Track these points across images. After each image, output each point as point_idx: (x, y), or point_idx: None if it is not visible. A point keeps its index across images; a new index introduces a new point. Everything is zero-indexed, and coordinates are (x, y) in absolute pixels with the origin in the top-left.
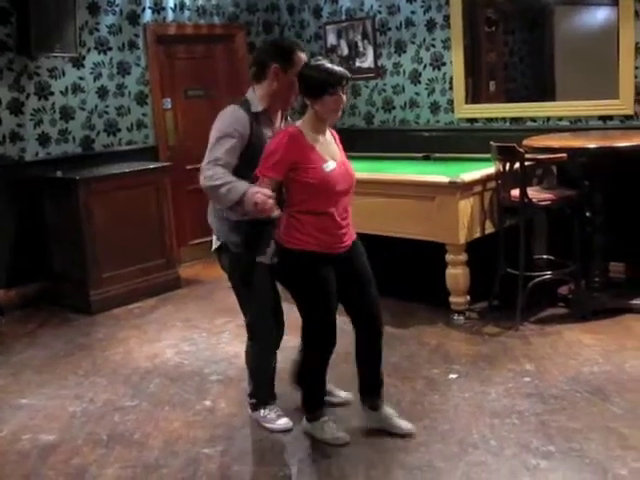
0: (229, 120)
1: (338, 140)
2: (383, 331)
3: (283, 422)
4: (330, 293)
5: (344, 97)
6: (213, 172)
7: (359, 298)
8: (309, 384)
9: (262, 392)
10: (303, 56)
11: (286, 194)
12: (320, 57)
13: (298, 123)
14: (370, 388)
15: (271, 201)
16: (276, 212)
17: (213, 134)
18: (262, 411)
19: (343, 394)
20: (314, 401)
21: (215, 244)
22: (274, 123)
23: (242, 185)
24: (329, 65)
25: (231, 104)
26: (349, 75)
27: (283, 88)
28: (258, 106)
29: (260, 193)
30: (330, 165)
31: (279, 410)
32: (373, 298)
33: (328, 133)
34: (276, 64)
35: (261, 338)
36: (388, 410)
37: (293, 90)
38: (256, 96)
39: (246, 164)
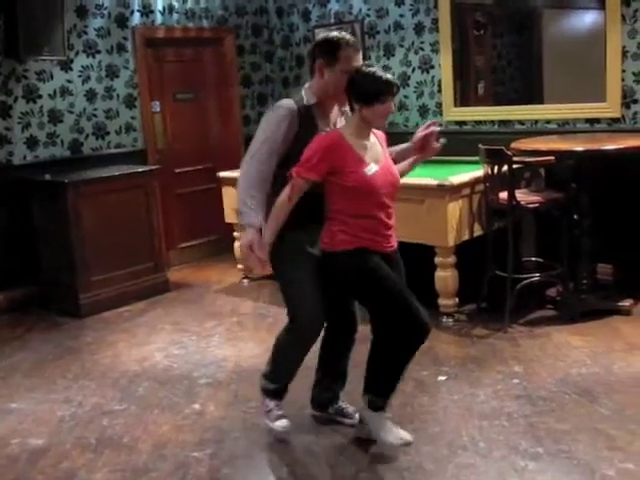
0: (277, 118)
1: (383, 140)
2: None
3: (280, 423)
4: (392, 275)
5: (393, 105)
6: (250, 176)
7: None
8: (396, 371)
9: (277, 382)
10: (351, 52)
11: (328, 199)
12: (370, 62)
13: (340, 126)
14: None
15: (253, 259)
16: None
17: (261, 130)
18: (268, 401)
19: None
20: (390, 390)
21: None
22: (329, 117)
23: (252, 220)
24: (382, 73)
25: (287, 97)
26: (399, 84)
27: (330, 84)
28: (310, 99)
29: (252, 248)
30: (372, 168)
31: (282, 409)
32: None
33: (372, 136)
34: (321, 59)
35: (297, 331)
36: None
37: (343, 86)
38: (310, 89)
39: (296, 157)
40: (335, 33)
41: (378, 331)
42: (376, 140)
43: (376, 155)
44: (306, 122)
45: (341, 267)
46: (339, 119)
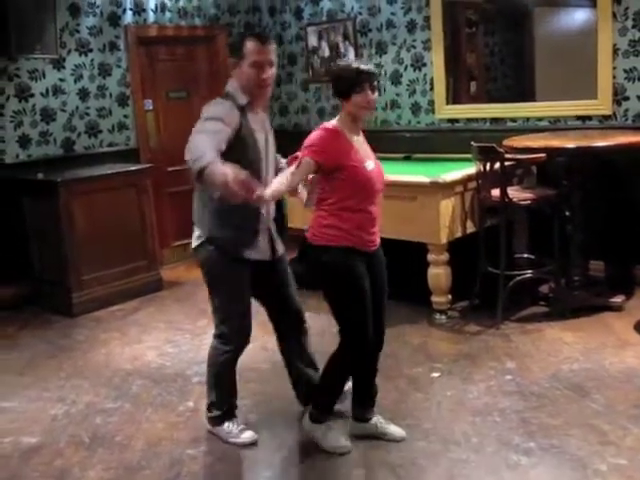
0: (217, 108)
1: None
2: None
3: (248, 435)
4: (367, 291)
5: (372, 94)
6: (200, 140)
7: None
8: (332, 385)
9: (227, 402)
10: (254, 45)
11: (323, 190)
12: (349, 56)
13: (333, 122)
14: (364, 399)
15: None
16: (257, 193)
17: (202, 116)
18: (225, 425)
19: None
20: (329, 404)
21: (196, 241)
22: (258, 118)
23: (209, 158)
24: (356, 64)
25: (220, 98)
26: (376, 71)
27: (244, 81)
28: (243, 99)
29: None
30: (370, 164)
31: (241, 423)
32: (382, 311)
33: (361, 133)
34: (231, 58)
35: (233, 340)
36: (378, 418)
37: (254, 81)
38: (237, 88)
39: (238, 159)
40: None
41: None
42: (364, 139)
43: (368, 152)
44: (244, 122)
45: (326, 261)
46: (266, 119)
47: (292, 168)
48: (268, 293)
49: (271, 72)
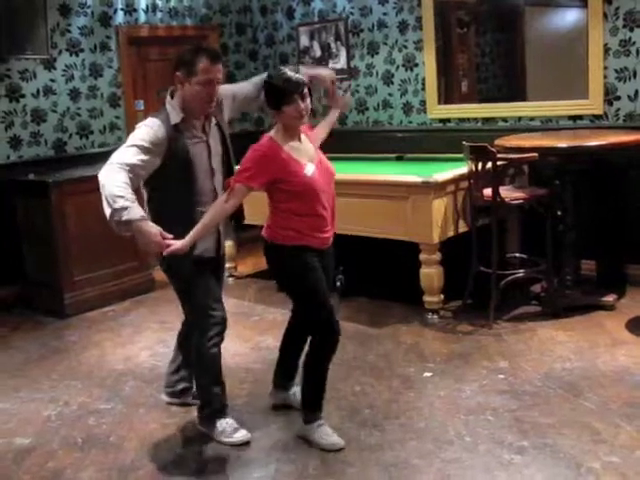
0: (143, 132)
1: (308, 130)
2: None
3: (241, 434)
4: (321, 280)
5: (303, 104)
6: (120, 178)
7: None
8: (315, 381)
9: (216, 399)
10: (207, 63)
11: (272, 201)
12: (283, 67)
13: (272, 133)
14: (290, 374)
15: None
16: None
17: (129, 140)
18: (218, 425)
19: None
20: (317, 400)
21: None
22: (197, 131)
23: (139, 211)
24: (285, 75)
25: (150, 116)
26: (304, 81)
27: (190, 97)
28: (176, 117)
29: (158, 238)
30: (310, 169)
31: (234, 421)
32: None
33: (303, 140)
34: (178, 72)
35: (204, 328)
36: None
37: (202, 99)
38: (175, 104)
39: (174, 178)
40: (193, 45)
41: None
42: (306, 137)
43: (309, 153)
44: (175, 142)
45: (283, 259)
46: (209, 129)
47: (224, 196)
48: None
49: (217, 89)
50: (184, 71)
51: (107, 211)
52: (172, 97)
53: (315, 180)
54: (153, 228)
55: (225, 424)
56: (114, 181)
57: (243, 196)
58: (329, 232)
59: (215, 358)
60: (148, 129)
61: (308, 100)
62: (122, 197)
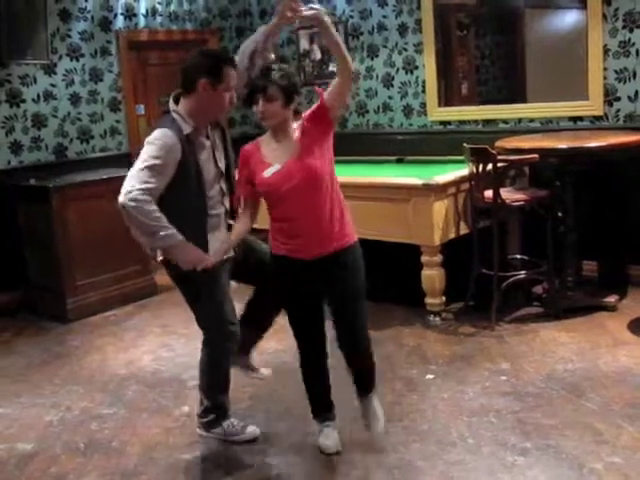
0: (160, 150)
1: (307, 120)
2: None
3: (251, 430)
4: (294, 302)
5: (260, 106)
6: (149, 208)
7: (336, 314)
8: (306, 384)
9: (222, 404)
10: (233, 72)
11: None
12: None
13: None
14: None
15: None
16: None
17: (144, 157)
18: (225, 425)
19: (263, 370)
20: (314, 403)
21: (159, 256)
22: (203, 137)
23: (177, 234)
24: (260, 70)
25: (159, 127)
26: (259, 83)
27: (212, 104)
28: (187, 127)
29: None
30: (271, 170)
31: (238, 420)
32: (349, 315)
33: (291, 132)
34: (204, 79)
35: (220, 343)
36: None
37: (224, 106)
38: (183, 112)
39: (185, 185)
40: (209, 48)
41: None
42: (295, 136)
43: (283, 154)
44: (188, 154)
45: (272, 269)
46: (215, 135)
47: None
48: None
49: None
50: (212, 79)
51: (145, 240)
52: (176, 103)
53: (271, 181)
54: (195, 251)
55: (231, 424)
56: (146, 214)
57: (254, 203)
58: (307, 243)
59: (228, 371)
60: (161, 144)
61: (261, 103)
62: (160, 227)
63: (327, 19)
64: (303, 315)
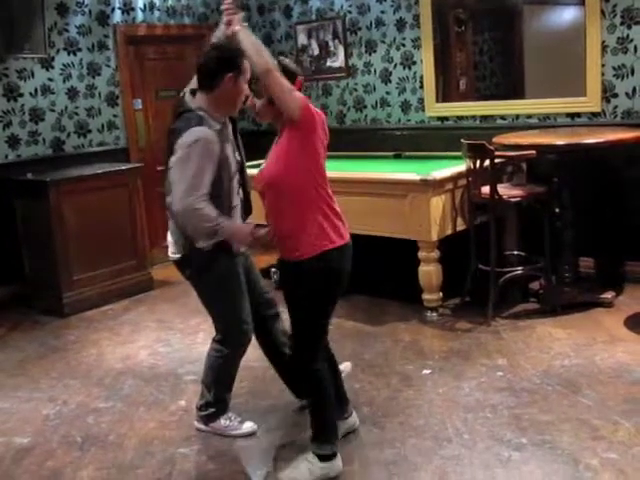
0: (203, 151)
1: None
2: None
3: (249, 425)
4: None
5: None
6: (205, 207)
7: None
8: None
9: (224, 400)
10: (248, 64)
11: None
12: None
13: None
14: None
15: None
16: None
17: (192, 161)
18: (223, 420)
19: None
20: (330, 429)
21: (175, 254)
22: (229, 133)
23: (227, 222)
24: None
25: (191, 127)
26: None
27: (235, 97)
28: (216, 124)
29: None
30: (262, 164)
31: (236, 415)
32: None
33: (282, 133)
34: (230, 73)
35: (236, 342)
36: None
37: (241, 97)
38: (207, 108)
39: (220, 184)
40: (224, 43)
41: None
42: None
43: (273, 153)
44: (223, 149)
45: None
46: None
47: None
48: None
49: None
50: (236, 72)
51: (204, 238)
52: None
53: (255, 179)
54: (244, 226)
55: (229, 418)
56: (207, 219)
57: None
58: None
59: (236, 370)
60: (202, 144)
61: (251, 98)
62: (218, 224)
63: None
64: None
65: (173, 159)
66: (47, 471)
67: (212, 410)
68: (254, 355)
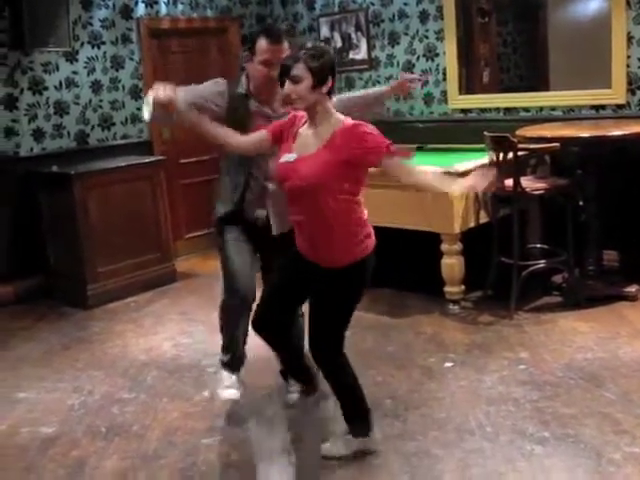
0: (206, 84)
1: (343, 136)
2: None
3: (230, 392)
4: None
5: (285, 88)
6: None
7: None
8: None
9: (227, 354)
10: (265, 43)
11: None
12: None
13: None
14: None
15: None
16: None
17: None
18: (222, 374)
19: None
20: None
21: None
22: (270, 108)
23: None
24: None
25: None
26: (286, 65)
27: (253, 76)
28: (242, 88)
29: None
30: (286, 157)
31: (234, 381)
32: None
33: (322, 128)
34: (248, 52)
35: (227, 297)
36: None
37: (261, 78)
38: (243, 78)
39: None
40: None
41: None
42: (326, 131)
43: (307, 145)
44: (238, 105)
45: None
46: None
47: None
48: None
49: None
50: (249, 50)
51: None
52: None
53: (280, 170)
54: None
55: (224, 376)
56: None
57: (257, 137)
58: (307, 248)
59: (235, 330)
60: (212, 83)
61: (296, 86)
62: None
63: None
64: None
65: None
66: (72, 460)
67: (221, 357)
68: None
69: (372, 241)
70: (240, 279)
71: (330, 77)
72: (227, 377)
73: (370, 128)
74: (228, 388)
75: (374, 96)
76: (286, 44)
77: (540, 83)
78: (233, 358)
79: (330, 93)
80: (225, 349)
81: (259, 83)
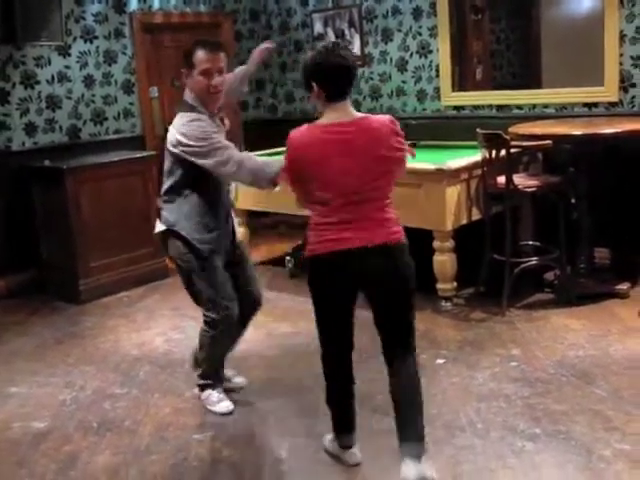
0: (202, 125)
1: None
2: None
3: (224, 405)
4: None
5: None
6: (244, 157)
7: None
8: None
9: (213, 376)
10: (203, 53)
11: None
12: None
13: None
14: None
15: None
16: None
17: (202, 144)
18: (207, 392)
19: (238, 380)
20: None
21: (160, 227)
22: (219, 120)
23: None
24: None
25: (188, 112)
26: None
27: (197, 91)
28: (204, 109)
29: None
30: None
31: (222, 393)
32: None
33: None
34: (184, 69)
35: (221, 323)
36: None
37: (204, 89)
38: (194, 99)
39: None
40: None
41: None
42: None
43: None
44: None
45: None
46: (225, 127)
47: None
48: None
49: (220, 79)
50: (186, 65)
51: (266, 181)
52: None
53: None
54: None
55: (211, 394)
56: (246, 166)
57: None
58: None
59: (229, 347)
60: (199, 122)
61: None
62: (266, 163)
63: None
64: None
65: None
66: (64, 455)
67: (203, 382)
68: (269, 343)
69: (320, 247)
70: (229, 293)
71: (314, 83)
72: (215, 393)
73: None
74: (220, 402)
75: (242, 72)
76: (223, 54)
77: (533, 81)
78: (216, 376)
79: (330, 98)
80: (205, 374)
81: (204, 95)
